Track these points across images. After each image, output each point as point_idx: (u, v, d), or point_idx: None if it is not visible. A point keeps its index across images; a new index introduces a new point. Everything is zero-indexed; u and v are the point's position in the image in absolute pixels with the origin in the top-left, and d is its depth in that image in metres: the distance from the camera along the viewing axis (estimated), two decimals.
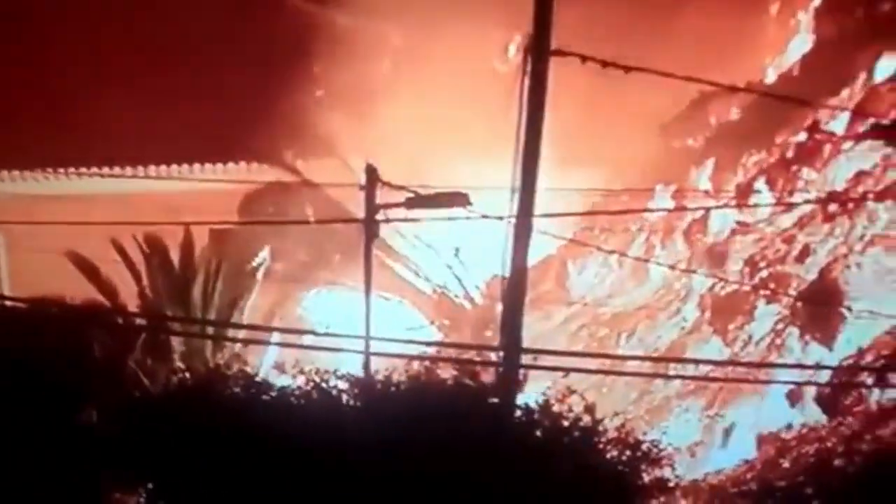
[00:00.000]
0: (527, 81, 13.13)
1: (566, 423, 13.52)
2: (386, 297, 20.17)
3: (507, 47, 21.88)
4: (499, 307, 14.33)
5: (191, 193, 20.20)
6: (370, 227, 15.25)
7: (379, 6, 21.90)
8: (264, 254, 17.66)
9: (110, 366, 14.21)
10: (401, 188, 15.17)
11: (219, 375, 13.99)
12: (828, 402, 17.78)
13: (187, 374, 14.58)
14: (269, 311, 18.37)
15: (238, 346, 15.74)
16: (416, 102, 20.99)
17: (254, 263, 17.38)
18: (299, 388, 13.51)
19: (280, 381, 13.76)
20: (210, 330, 16.48)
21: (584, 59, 13.12)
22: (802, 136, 22.86)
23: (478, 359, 14.30)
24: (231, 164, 22.74)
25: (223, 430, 12.88)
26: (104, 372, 13.97)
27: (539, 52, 13.13)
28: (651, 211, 21.31)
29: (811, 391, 17.69)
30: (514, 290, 13.72)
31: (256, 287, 17.23)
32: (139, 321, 16.20)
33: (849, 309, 19.16)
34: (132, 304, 16.43)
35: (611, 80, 13.82)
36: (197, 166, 22.72)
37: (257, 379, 13.85)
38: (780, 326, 19.74)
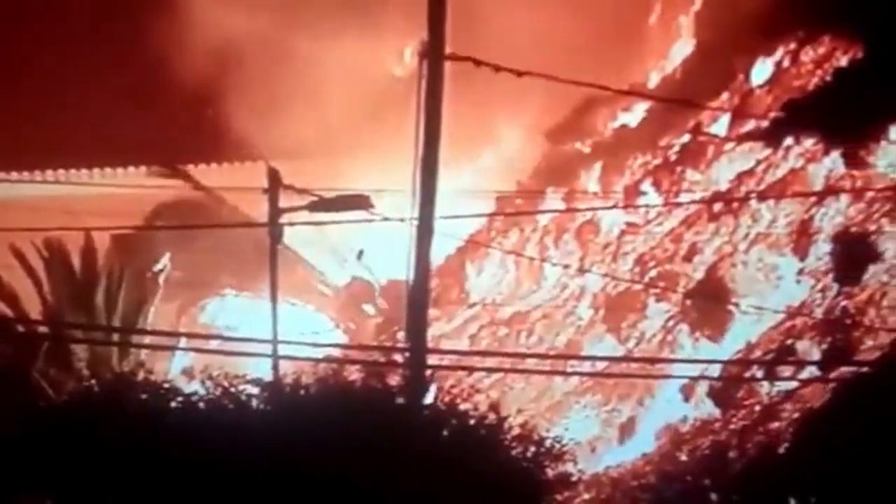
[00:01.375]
0: (423, 85, 13.43)
1: (472, 422, 13.77)
2: (291, 303, 20.15)
3: (402, 52, 22.08)
4: (398, 310, 14.50)
5: (91, 198, 19.82)
6: (274, 231, 15.30)
7: (279, 13, 21.89)
8: (165, 259, 17.49)
9: (12, 375, 13.91)
10: (303, 192, 15.24)
11: (126, 383, 13.84)
12: (720, 396, 18.40)
13: (93, 382, 14.37)
14: (170, 318, 18.20)
15: (144, 352, 15.58)
16: (317, 107, 21.03)
17: (156, 269, 17.18)
18: (209, 393, 13.47)
19: (189, 387, 13.69)
20: (115, 336, 16.24)
21: (477, 63, 13.47)
22: (686, 139, 23.56)
23: (385, 360, 14.45)
24: (132, 169, 22.44)
25: (132, 438, 12.77)
26: (6, 382, 13.68)
27: (434, 56, 13.41)
28: (548, 212, 21.76)
29: (704, 386, 18.27)
30: (419, 292, 13.94)
31: (160, 292, 17.06)
32: (41, 329, 15.88)
33: (736, 305, 19.85)
34: (34, 312, 16.11)
35: (503, 84, 14.20)
36: (97, 171, 22.36)
37: (166, 385, 13.75)
38: (670, 324, 20.36)
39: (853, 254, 19.91)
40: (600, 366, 18.43)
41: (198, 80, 22.08)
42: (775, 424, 17.21)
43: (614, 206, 22.02)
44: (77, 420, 13.34)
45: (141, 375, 13.92)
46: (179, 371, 15.23)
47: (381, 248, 17.89)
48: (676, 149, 23.39)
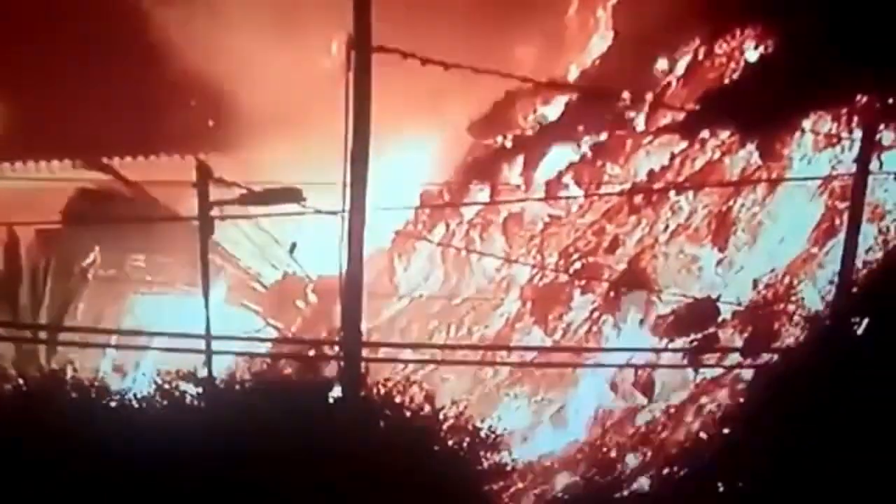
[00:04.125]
0: (351, 77, 13.38)
1: (408, 414, 13.78)
2: (221, 299, 19.92)
3: (330, 44, 21.97)
4: (330, 304, 14.44)
5: (14, 192, 19.28)
6: (205, 225, 15.09)
7: (209, 8, 21.62)
8: (95, 253, 17.10)
9: None
10: (233, 185, 15.07)
11: (56, 381, 13.56)
12: (645, 385, 18.69)
13: (21, 381, 14.03)
14: (98, 315, 17.84)
15: (73, 350, 15.25)
16: (246, 100, 20.82)
17: (84, 263, 16.80)
18: (141, 391, 13.28)
19: (121, 384, 13.49)
20: (41, 334, 15.85)
21: (404, 55, 13.47)
22: (605, 133, 23.82)
23: (319, 354, 14.39)
24: (55, 163, 21.90)
25: (62, 438, 12.52)
26: None
27: (361, 48, 13.37)
28: (477, 204, 21.86)
29: (630, 377, 18.54)
30: (353, 285, 13.89)
31: (87, 288, 16.69)
32: None
33: (659, 296, 20.16)
34: None
35: (427, 78, 14.23)
36: (19, 164, 21.76)
37: (96, 384, 13.51)
38: (595, 315, 20.59)
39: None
40: (529, 357, 18.59)
41: (126, 74, 21.74)
42: (701, 411, 17.54)
43: (539, 199, 22.21)
44: (5, 420, 13.08)
45: (69, 374, 13.71)
46: (110, 369, 14.96)
47: (312, 243, 17.78)
48: (596, 142, 23.67)
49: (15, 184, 20.27)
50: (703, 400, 17.79)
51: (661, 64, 23.98)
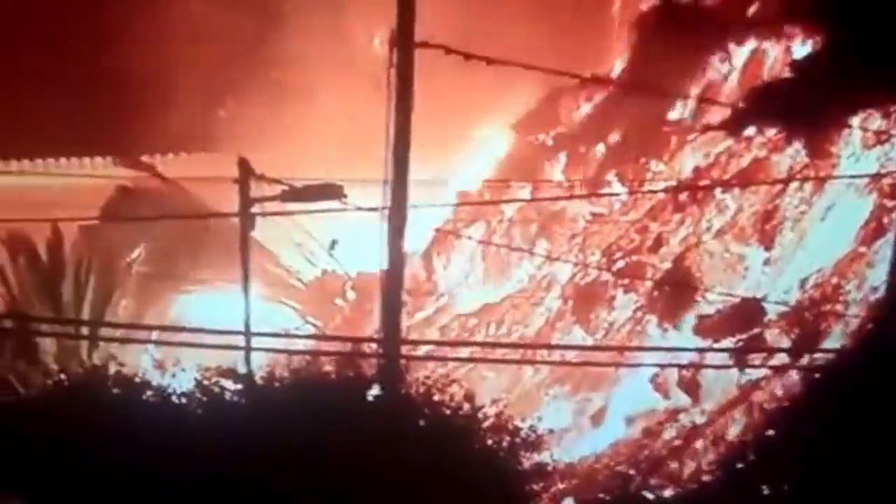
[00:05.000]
0: (393, 74, 13.30)
1: (447, 412, 13.69)
2: (261, 296, 19.92)
3: (372, 40, 21.92)
4: (369, 302, 14.37)
5: (56, 189, 19.39)
6: (245, 222, 15.08)
7: (249, 5, 21.65)
8: (140, 249, 17.17)
9: None
10: (275, 181, 15.04)
11: (97, 376, 13.60)
12: (690, 385, 18.45)
13: (63, 377, 14.08)
14: (140, 311, 17.88)
15: (114, 345, 15.28)
16: (288, 97, 20.82)
17: (128, 259, 16.87)
18: (182, 387, 13.30)
19: (161, 380, 13.50)
20: (84, 329, 15.90)
21: (448, 51, 13.37)
22: (649, 129, 23.59)
23: (358, 351, 14.33)
24: (98, 159, 21.96)
25: (104, 433, 12.55)
26: None
27: (404, 44, 13.29)
28: (518, 201, 21.73)
29: (674, 376, 18.31)
30: (393, 282, 13.83)
31: (130, 284, 16.75)
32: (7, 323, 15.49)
33: (703, 296, 19.91)
34: None
35: (470, 74, 14.12)
36: (63, 161, 21.86)
37: (137, 379, 13.54)
38: (639, 314, 20.37)
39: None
40: (570, 356, 18.40)
41: (166, 70, 21.81)
42: (745, 412, 17.30)
43: (582, 197, 22.04)
44: (47, 415, 13.14)
45: (112, 369, 13.73)
46: (151, 364, 14.98)
47: (352, 240, 17.74)
48: (640, 139, 23.45)
49: (56, 180, 20.40)
50: (748, 401, 17.54)
51: (708, 60, 23.75)
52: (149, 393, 13.24)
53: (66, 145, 22.34)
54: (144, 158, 22.01)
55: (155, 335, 15.64)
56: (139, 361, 15.51)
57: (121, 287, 16.96)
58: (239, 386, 13.51)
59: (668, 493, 15.93)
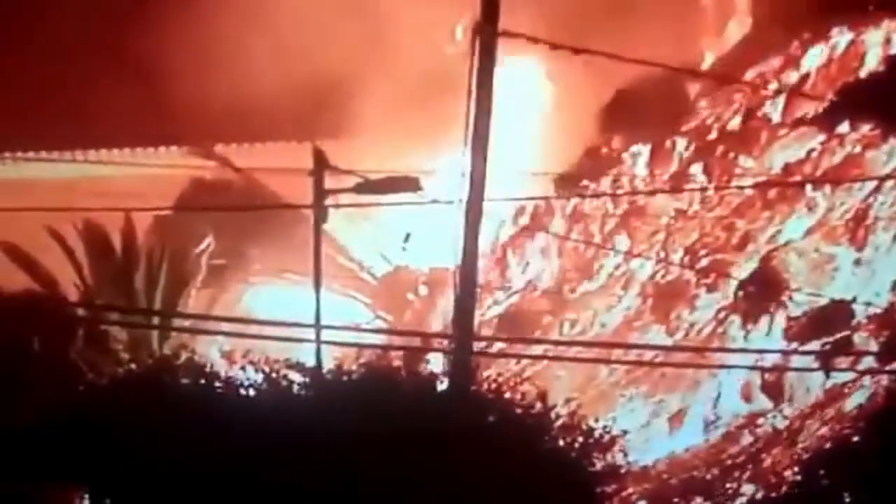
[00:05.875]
0: (475, 63, 13.03)
1: (519, 411, 13.45)
2: (331, 290, 19.82)
3: (454, 29, 21.68)
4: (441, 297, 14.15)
5: (129, 178, 19.52)
6: (319, 214, 14.94)
7: None
8: (209, 239, 17.18)
9: (52, 359, 13.67)
10: (349, 173, 14.87)
11: (167, 366, 13.62)
12: (772, 389, 17.92)
13: (133, 366, 14.12)
14: (210, 302, 17.88)
15: (185, 335, 15.29)
16: (366, 87, 20.68)
17: (198, 249, 16.90)
18: (250, 378, 13.25)
19: (229, 371, 13.46)
20: (155, 319, 15.95)
21: (530, 39, 13.05)
22: (738, 123, 23.00)
23: (428, 347, 14.15)
24: (174, 149, 22.04)
25: (173, 422, 12.56)
26: (45, 366, 13.45)
27: (487, 33, 13.00)
28: (599, 196, 21.31)
29: (758, 381, 17.77)
30: (467, 278, 13.59)
31: (202, 274, 16.78)
32: (80, 311, 15.63)
33: (790, 297, 19.31)
34: (71, 294, 15.85)
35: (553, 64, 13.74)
36: (139, 150, 22.01)
37: (207, 369, 13.52)
38: (721, 315, 19.85)
39: None
40: (646, 356, 17.99)
41: (239, 60, 21.79)
42: (830, 417, 16.76)
43: (666, 192, 21.54)
44: (118, 403, 13.18)
45: (183, 358, 13.73)
46: (219, 355, 14.96)
47: (425, 234, 17.52)
48: (729, 133, 22.87)
49: (130, 170, 20.51)
50: (833, 406, 16.98)
51: (801, 52, 23.09)
52: (217, 384, 13.22)
53: (140, 136, 22.47)
54: (218, 148, 22.05)
55: (224, 326, 15.62)
56: (209, 352, 15.51)
57: (192, 278, 16.97)
58: (307, 379, 13.44)
59: (744, 499, 15.49)
